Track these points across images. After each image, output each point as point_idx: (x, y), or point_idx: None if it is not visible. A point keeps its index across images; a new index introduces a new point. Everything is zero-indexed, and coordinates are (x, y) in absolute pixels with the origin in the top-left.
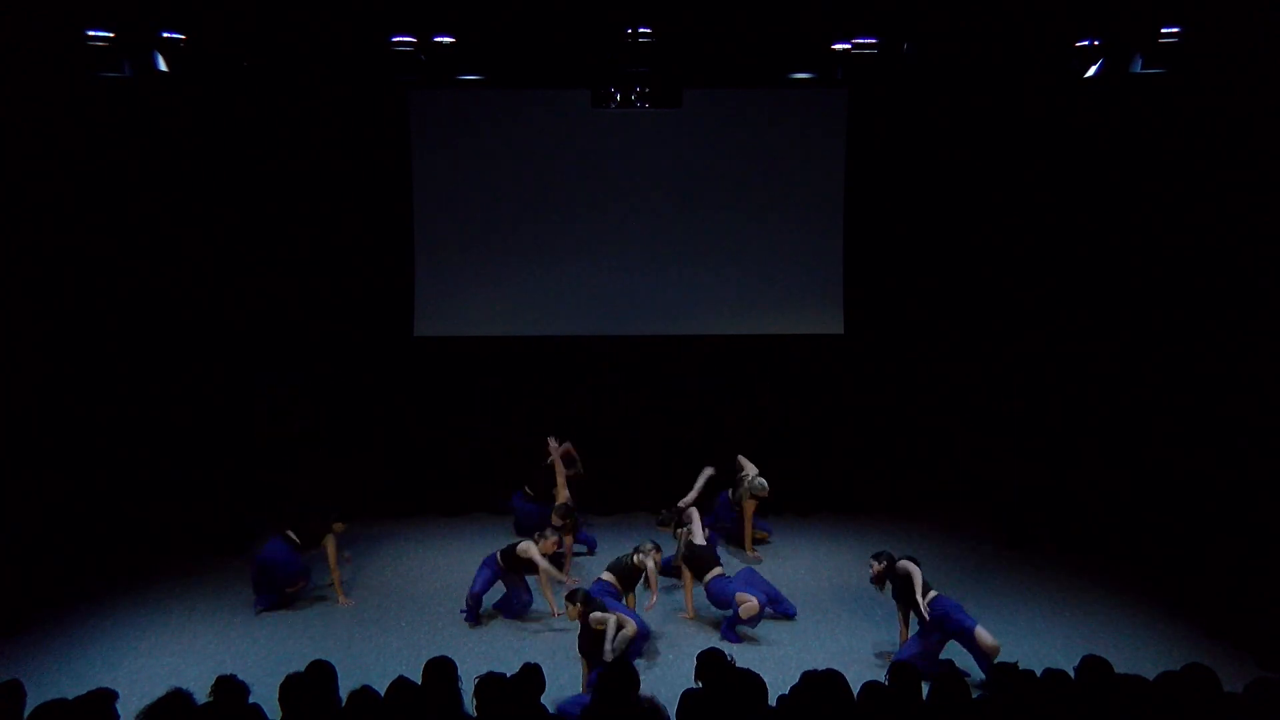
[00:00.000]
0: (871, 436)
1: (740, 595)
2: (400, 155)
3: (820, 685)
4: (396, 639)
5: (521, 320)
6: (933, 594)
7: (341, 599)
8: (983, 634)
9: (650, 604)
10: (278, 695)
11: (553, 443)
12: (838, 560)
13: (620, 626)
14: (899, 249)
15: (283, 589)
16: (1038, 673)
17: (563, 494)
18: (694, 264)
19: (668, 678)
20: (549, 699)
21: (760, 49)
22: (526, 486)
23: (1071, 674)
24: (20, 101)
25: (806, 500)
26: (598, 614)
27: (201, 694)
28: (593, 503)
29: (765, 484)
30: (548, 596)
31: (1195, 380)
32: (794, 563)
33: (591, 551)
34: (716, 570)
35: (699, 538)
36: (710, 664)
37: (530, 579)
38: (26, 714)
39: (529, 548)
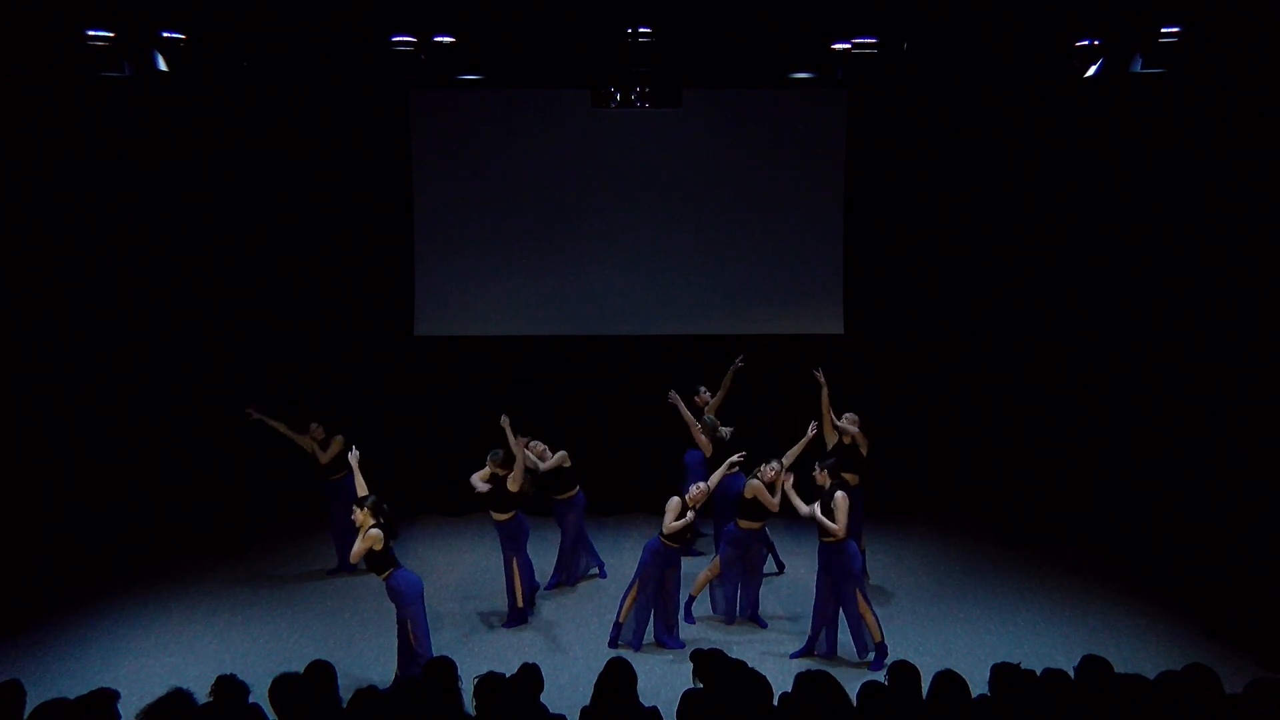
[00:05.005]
0: (871, 436)
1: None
2: (400, 155)
3: (813, 687)
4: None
5: (521, 320)
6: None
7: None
8: None
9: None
10: (268, 696)
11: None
12: None
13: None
14: (899, 248)
15: None
16: (1038, 673)
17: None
18: (694, 264)
19: (668, 678)
20: (549, 699)
21: (760, 49)
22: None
23: (1071, 674)
24: (20, 101)
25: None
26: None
27: (202, 694)
28: (593, 503)
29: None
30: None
31: (1195, 379)
32: (794, 562)
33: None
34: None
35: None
36: (709, 664)
37: None
38: (26, 714)
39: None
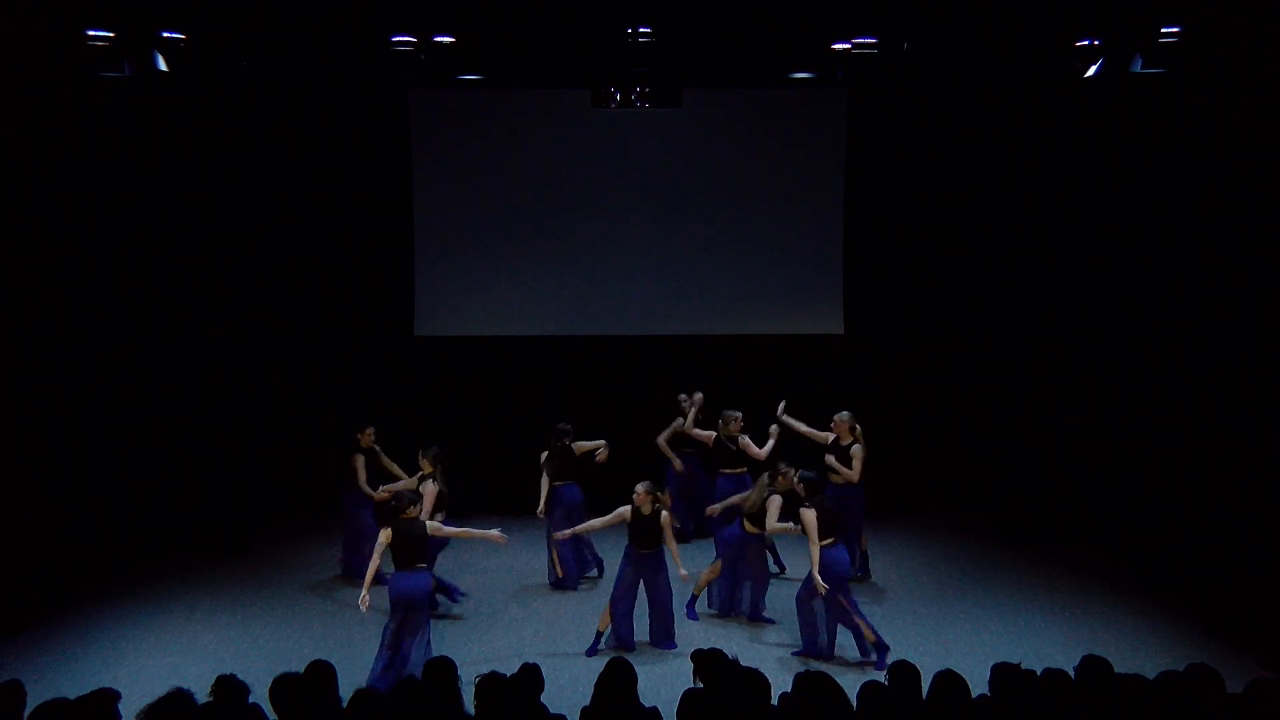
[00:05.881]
0: (871, 436)
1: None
2: (400, 155)
3: (813, 687)
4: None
5: (521, 320)
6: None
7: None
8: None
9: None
10: (269, 695)
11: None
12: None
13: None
14: (899, 249)
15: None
16: (1038, 673)
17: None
18: (694, 264)
19: (668, 678)
20: (549, 699)
21: (760, 49)
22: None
23: (1071, 674)
24: (20, 101)
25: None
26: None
27: (202, 693)
28: (593, 503)
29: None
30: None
31: (1195, 379)
32: (796, 563)
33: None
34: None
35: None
36: (709, 664)
37: None
38: (26, 714)
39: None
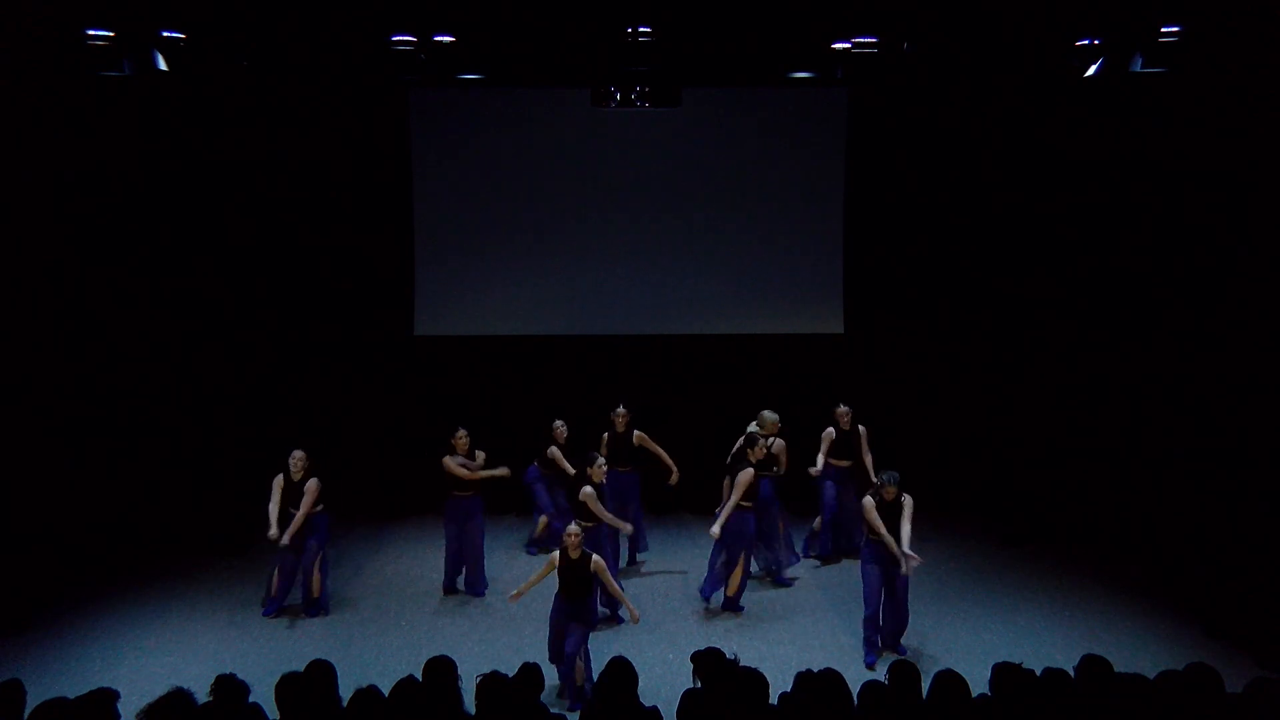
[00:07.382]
0: (871, 436)
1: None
2: (400, 155)
3: (817, 686)
4: (397, 639)
5: (521, 320)
6: None
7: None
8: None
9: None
10: (274, 694)
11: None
12: (837, 559)
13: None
14: (899, 248)
15: None
16: (1038, 673)
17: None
18: (694, 264)
19: (668, 677)
20: (549, 699)
21: (760, 49)
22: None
23: (1071, 674)
24: (20, 101)
25: (807, 499)
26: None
27: (202, 693)
28: None
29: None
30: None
31: (1195, 379)
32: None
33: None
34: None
35: None
36: (709, 664)
37: None
38: (26, 714)
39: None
